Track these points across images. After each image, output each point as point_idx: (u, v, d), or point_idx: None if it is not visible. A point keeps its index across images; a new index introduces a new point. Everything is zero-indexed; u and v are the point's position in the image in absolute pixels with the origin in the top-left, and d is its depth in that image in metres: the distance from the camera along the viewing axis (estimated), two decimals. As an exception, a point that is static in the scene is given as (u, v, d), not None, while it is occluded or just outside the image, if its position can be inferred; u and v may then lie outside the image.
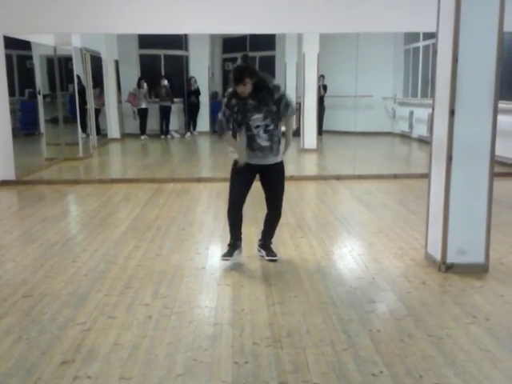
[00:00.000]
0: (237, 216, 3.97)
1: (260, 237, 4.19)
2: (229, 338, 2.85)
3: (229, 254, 3.98)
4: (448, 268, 3.79)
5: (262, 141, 3.82)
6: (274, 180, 3.96)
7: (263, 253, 4.12)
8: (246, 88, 3.68)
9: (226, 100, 3.82)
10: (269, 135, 3.81)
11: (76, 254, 4.32)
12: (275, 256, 4.07)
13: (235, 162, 3.91)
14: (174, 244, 4.55)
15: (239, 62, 3.75)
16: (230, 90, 3.80)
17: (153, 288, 3.55)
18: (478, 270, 3.78)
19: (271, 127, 3.80)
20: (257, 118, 3.79)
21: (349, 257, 4.22)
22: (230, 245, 4.02)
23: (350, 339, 2.82)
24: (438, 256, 3.85)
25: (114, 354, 2.67)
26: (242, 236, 4.08)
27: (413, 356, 2.64)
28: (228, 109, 3.81)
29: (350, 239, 4.76)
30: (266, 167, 3.90)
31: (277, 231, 4.68)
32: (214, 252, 4.32)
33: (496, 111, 3.61)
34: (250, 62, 3.76)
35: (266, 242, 4.13)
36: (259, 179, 3.99)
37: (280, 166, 3.96)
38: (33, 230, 5.06)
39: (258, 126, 3.79)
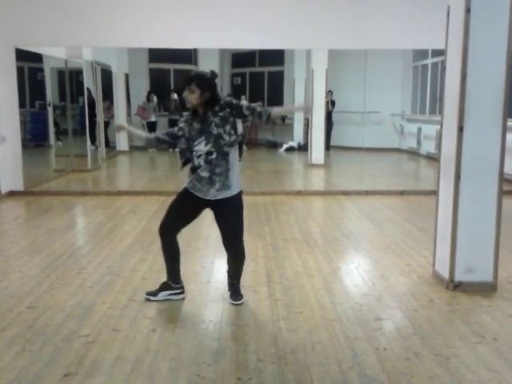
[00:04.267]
0: (167, 245, 3.48)
1: (227, 277, 3.64)
2: (233, 353, 2.82)
3: (153, 293, 3.54)
4: (456, 286, 3.75)
5: (202, 171, 3.30)
6: (224, 217, 3.39)
7: (229, 293, 3.60)
8: (192, 97, 3.22)
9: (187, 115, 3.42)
10: (210, 166, 3.27)
11: (82, 265, 4.31)
12: (240, 300, 3.51)
13: (184, 188, 3.46)
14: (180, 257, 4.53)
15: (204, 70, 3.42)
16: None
17: (157, 301, 3.53)
18: (486, 289, 3.74)
19: (213, 156, 3.26)
20: (199, 144, 3.29)
21: (355, 273, 4.19)
22: (163, 282, 3.58)
23: (356, 357, 2.78)
24: (445, 274, 3.81)
25: (117, 368, 2.66)
26: (179, 274, 3.57)
27: (419, 375, 2.60)
28: (177, 127, 3.42)
29: (356, 255, 4.73)
30: (213, 202, 3.34)
31: (284, 246, 4.65)
32: (219, 266, 4.30)
33: (505, 128, 3.60)
34: (213, 77, 3.34)
35: (231, 282, 3.58)
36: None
37: (231, 201, 3.34)
38: (39, 240, 5.07)
39: (200, 156, 3.29)
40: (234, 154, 3.32)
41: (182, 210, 3.47)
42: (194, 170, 3.34)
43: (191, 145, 3.32)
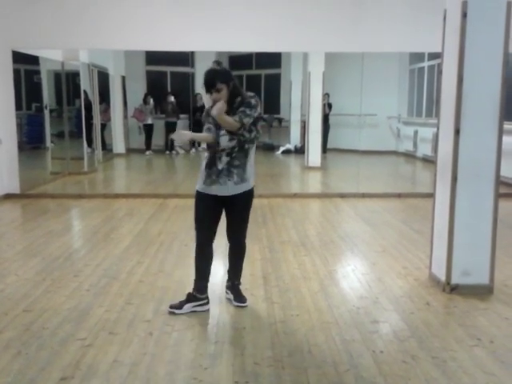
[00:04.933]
0: (205, 255, 3.44)
1: (227, 276, 3.66)
2: (230, 356, 2.82)
3: (177, 306, 3.40)
4: (452, 289, 3.76)
5: (221, 164, 3.27)
6: (236, 210, 3.42)
7: (230, 296, 3.56)
8: (222, 95, 3.17)
9: (204, 114, 3.39)
10: (230, 159, 3.27)
11: (78, 268, 4.30)
12: (244, 302, 3.50)
13: (197, 193, 3.40)
14: (177, 260, 4.53)
15: (212, 65, 3.30)
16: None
17: (154, 304, 3.53)
18: (482, 292, 3.74)
19: (235, 150, 3.26)
20: (224, 137, 3.26)
21: (352, 276, 4.19)
22: (188, 294, 3.45)
23: (353, 360, 2.78)
24: (442, 277, 3.82)
25: (113, 371, 2.65)
26: (207, 284, 3.49)
27: (416, 378, 2.60)
28: (206, 125, 3.34)
29: (353, 258, 4.73)
30: (229, 198, 3.34)
31: (280, 249, 4.65)
32: (216, 269, 4.28)
33: (501, 131, 3.61)
34: (223, 67, 3.30)
35: (232, 284, 3.57)
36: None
37: (246, 196, 3.38)
38: (35, 243, 5.05)
39: (223, 149, 3.26)
40: (252, 148, 3.34)
41: (210, 217, 3.38)
42: (211, 164, 3.30)
43: (217, 134, 3.28)
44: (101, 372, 2.64)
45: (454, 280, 3.75)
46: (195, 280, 3.46)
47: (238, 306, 3.49)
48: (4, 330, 3.11)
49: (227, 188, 3.29)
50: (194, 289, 3.45)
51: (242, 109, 3.19)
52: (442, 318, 3.37)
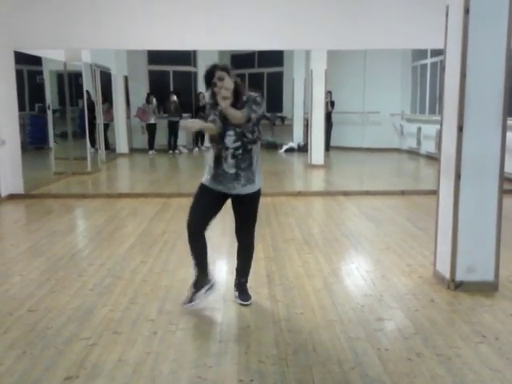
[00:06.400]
0: (196, 242, 3.37)
1: (235, 275, 3.64)
2: (234, 355, 2.82)
3: (190, 299, 3.40)
4: (457, 286, 3.74)
5: (228, 167, 3.27)
6: (242, 210, 3.43)
7: (236, 293, 3.57)
8: (226, 82, 3.10)
9: (207, 107, 3.35)
10: (236, 161, 3.26)
11: (82, 268, 4.31)
12: (248, 300, 3.50)
13: (201, 185, 3.39)
14: (181, 259, 4.53)
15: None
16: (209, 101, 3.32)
17: (158, 303, 3.53)
18: (487, 288, 3.73)
19: (240, 151, 3.25)
20: (229, 137, 3.25)
21: (356, 273, 4.19)
22: (194, 284, 3.44)
23: (358, 358, 2.77)
24: (446, 274, 3.81)
25: (118, 370, 2.65)
26: (209, 269, 3.49)
27: (421, 376, 2.59)
28: (211, 117, 3.24)
29: (357, 256, 4.72)
30: (235, 196, 3.36)
31: (284, 247, 4.64)
32: (220, 268, 4.29)
33: (505, 128, 3.60)
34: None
35: (239, 281, 3.58)
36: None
37: (253, 196, 3.37)
38: (39, 243, 5.06)
39: (227, 148, 3.25)
40: (256, 148, 3.33)
41: (207, 207, 3.35)
42: (218, 162, 3.28)
43: (222, 135, 3.24)
44: (105, 371, 2.64)
45: (459, 277, 3.74)
46: (196, 267, 3.43)
47: (240, 304, 3.49)
48: (9, 330, 3.12)
49: (234, 189, 3.30)
50: (196, 277, 3.44)
51: (248, 104, 3.18)
52: (446, 315, 3.36)
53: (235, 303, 3.53)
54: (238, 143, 3.24)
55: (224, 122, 3.21)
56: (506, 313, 3.38)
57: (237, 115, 3.14)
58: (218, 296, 3.65)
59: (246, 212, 3.44)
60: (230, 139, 3.24)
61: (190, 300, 3.41)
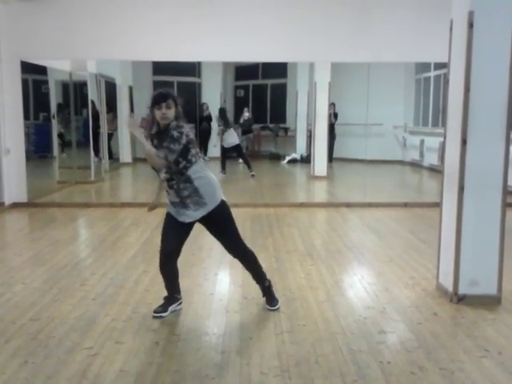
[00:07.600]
0: (168, 271, 3.45)
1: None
2: (236, 366, 2.81)
3: (163, 309, 3.47)
4: (460, 299, 3.73)
5: (172, 197, 3.29)
6: (214, 229, 3.42)
7: (263, 299, 3.67)
8: (170, 112, 3.14)
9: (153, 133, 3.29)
10: (176, 192, 3.24)
11: (85, 277, 4.31)
12: (274, 305, 3.58)
13: (167, 213, 3.42)
14: (183, 269, 4.50)
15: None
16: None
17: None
18: (490, 302, 3.72)
19: (174, 182, 3.22)
20: (161, 169, 3.23)
21: (359, 286, 4.18)
22: (165, 298, 3.54)
23: (360, 371, 2.76)
24: (449, 287, 3.80)
25: (120, 380, 2.64)
26: (179, 288, 3.59)
27: (424, 389, 2.58)
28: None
29: (360, 268, 4.72)
30: (198, 220, 3.34)
31: (287, 258, 4.64)
32: (222, 278, 4.29)
33: (508, 141, 3.60)
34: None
35: (263, 287, 3.65)
36: None
37: (215, 212, 3.29)
38: (42, 252, 5.07)
39: (163, 180, 3.27)
40: (195, 171, 3.23)
41: (175, 235, 3.35)
42: (166, 192, 3.33)
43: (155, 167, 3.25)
44: (107, 381, 2.63)
45: (462, 290, 3.73)
46: (168, 288, 3.53)
47: (268, 309, 3.56)
48: (11, 339, 3.12)
49: (189, 216, 3.30)
50: (169, 293, 3.54)
51: (165, 144, 3.10)
52: (449, 329, 3.35)
53: (237, 314, 3.52)
54: (168, 175, 3.23)
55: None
56: (509, 327, 3.36)
57: (157, 162, 3.10)
58: (221, 307, 3.65)
59: (219, 229, 3.43)
60: (162, 171, 3.24)
61: (162, 311, 3.46)
